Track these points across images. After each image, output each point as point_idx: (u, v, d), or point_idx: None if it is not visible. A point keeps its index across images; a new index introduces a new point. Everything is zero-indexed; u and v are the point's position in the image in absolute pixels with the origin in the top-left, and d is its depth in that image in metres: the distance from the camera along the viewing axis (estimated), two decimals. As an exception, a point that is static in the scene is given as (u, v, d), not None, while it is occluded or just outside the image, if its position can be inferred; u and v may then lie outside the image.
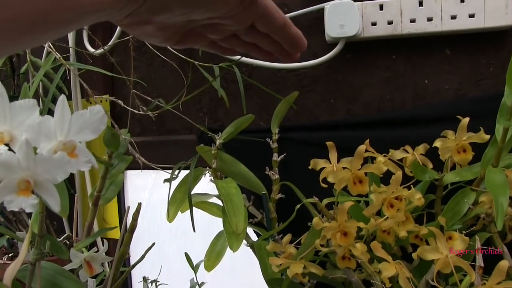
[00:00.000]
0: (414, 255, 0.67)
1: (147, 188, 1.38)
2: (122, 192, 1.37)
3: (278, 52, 0.59)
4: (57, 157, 0.45)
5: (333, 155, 0.77)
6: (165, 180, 0.73)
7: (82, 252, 0.73)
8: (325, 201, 0.78)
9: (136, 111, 1.13)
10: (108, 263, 1.13)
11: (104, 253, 0.75)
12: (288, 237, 0.87)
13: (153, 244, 0.88)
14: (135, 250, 1.48)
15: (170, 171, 1.05)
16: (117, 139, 0.75)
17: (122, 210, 1.38)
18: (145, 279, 1.09)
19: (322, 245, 0.82)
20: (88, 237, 0.78)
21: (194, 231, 0.68)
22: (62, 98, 0.48)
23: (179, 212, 1.04)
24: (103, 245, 0.96)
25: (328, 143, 0.79)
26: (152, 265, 1.35)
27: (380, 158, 0.77)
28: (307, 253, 0.78)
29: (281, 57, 0.60)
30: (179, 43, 0.54)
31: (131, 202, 1.42)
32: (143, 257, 0.88)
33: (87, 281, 0.74)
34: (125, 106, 1.12)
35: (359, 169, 0.71)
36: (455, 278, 0.64)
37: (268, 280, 0.88)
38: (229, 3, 0.47)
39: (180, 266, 1.34)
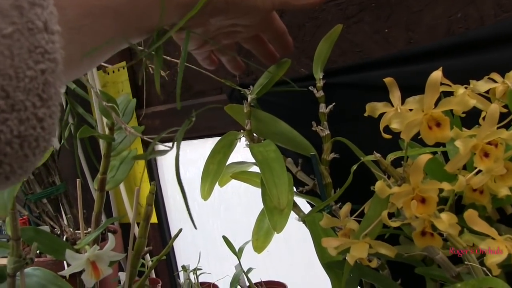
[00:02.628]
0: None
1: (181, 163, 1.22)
2: (156, 170, 1.23)
3: (264, 56, 0.74)
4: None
5: (396, 95, 0.56)
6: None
7: (82, 252, 0.57)
8: (391, 156, 0.59)
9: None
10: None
11: (110, 250, 0.59)
12: (347, 207, 0.68)
13: (180, 230, 0.72)
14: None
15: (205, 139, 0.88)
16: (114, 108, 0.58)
17: (158, 191, 1.24)
18: (184, 268, 0.93)
19: (391, 216, 0.63)
20: (95, 230, 0.62)
21: (195, 228, 0.50)
22: None
23: (217, 186, 0.87)
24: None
25: (387, 80, 0.58)
26: (198, 247, 1.20)
27: (461, 90, 0.56)
28: (372, 228, 0.59)
29: (266, 60, 0.75)
30: (199, 48, 0.63)
31: (166, 181, 1.27)
32: (169, 247, 0.72)
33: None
34: (145, 70, 0.95)
35: (434, 108, 0.50)
36: None
37: (325, 265, 0.70)
38: (263, 10, 0.57)
39: (226, 248, 1.18)
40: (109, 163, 0.65)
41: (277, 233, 0.67)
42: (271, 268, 0.95)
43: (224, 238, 0.85)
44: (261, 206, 0.88)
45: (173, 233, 1.26)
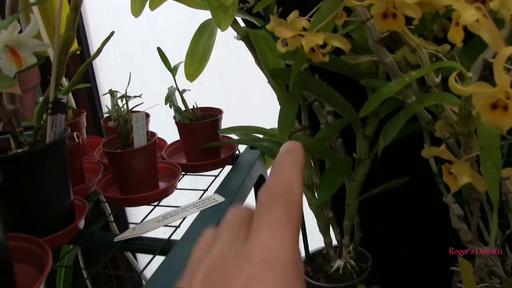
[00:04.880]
0: (493, 3, 0.44)
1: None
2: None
3: None
4: None
5: None
6: None
7: None
8: None
9: None
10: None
11: (33, 37, 0.52)
12: (294, 14, 0.63)
13: (112, 32, 0.65)
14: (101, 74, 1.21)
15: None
16: None
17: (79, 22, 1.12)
18: (112, 93, 0.87)
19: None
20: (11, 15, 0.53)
21: None
22: None
23: (148, 9, 0.79)
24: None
25: None
26: (124, 82, 1.12)
27: None
28: (325, 23, 0.56)
29: None
30: None
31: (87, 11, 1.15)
32: (99, 50, 0.65)
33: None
34: None
35: None
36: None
37: (270, 72, 0.66)
38: None
39: (158, 83, 1.12)
40: None
41: (222, 30, 0.62)
42: (203, 99, 0.91)
43: (159, 49, 0.79)
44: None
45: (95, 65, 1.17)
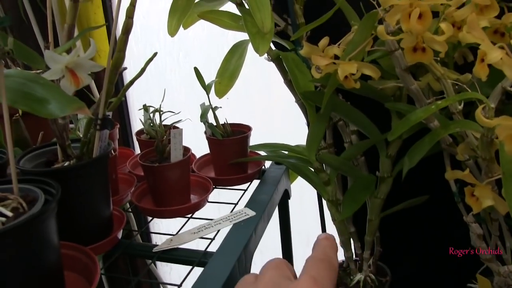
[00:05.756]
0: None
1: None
2: (110, 11, 1.15)
3: None
4: None
5: None
6: None
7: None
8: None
9: None
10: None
11: (90, 59, 0.56)
12: (325, 40, 0.68)
13: (155, 54, 0.70)
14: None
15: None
16: None
17: (109, 14, 1.15)
18: (145, 108, 0.92)
19: (374, 43, 0.64)
20: (68, 41, 0.58)
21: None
22: None
23: (182, 29, 0.83)
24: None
25: None
26: (152, 96, 1.17)
27: None
28: (357, 52, 0.60)
29: None
30: None
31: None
32: (143, 70, 0.70)
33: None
34: None
35: None
36: None
37: (302, 94, 0.71)
38: None
39: (185, 97, 1.17)
40: (83, -29, 0.60)
41: (260, 55, 0.66)
42: (229, 114, 0.96)
43: (195, 69, 0.83)
44: (224, 53, 0.87)
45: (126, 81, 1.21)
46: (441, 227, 0.86)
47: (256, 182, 0.89)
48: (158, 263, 1.50)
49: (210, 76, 0.86)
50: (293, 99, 0.79)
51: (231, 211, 0.75)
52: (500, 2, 0.62)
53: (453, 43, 0.62)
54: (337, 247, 0.38)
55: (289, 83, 0.77)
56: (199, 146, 0.96)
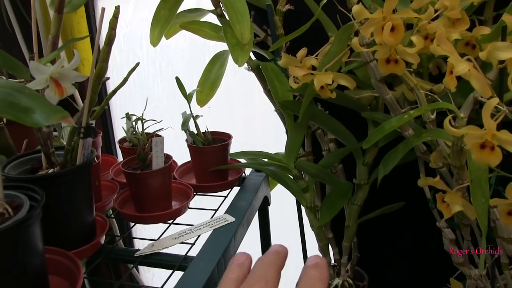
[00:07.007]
0: (482, 54, 0.50)
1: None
2: (94, 23, 1.16)
3: None
4: None
5: None
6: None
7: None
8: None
9: None
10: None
11: (74, 70, 0.58)
12: (303, 51, 0.70)
13: (137, 64, 0.71)
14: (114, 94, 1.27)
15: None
16: None
17: (92, 24, 1.16)
18: (128, 116, 0.93)
19: (351, 54, 0.66)
20: (53, 51, 0.59)
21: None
22: None
23: (164, 38, 0.85)
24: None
25: None
26: (135, 104, 1.18)
27: None
28: (333, 63, 0.62)
29: None
30: None
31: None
32: (126, 80, 0.71)
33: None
34: None
35: None
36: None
37: (281, 104, 0.73)
38: None
39: (167, 105, 1.19)
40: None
41: (239, 66, 0.68)
42: (210, 123, 0.97)
43: (177, 79, 0.85)
44: (205, 63, 0.89)
45: (109, 90, 1.23)
46: (417, 232, 0.89)
47: (236, 189, 0.91)
48: (142, 270, 1.51)
49: (192, 85, 0.88)
50: (273, 107, 0.81)
51: (212, 217, 0.77)
52: (472, 15, 0.65)
53: (427, 54, 0.65)
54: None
55: (268, 92, 0.79)
56: (181, 154, 0.97)
